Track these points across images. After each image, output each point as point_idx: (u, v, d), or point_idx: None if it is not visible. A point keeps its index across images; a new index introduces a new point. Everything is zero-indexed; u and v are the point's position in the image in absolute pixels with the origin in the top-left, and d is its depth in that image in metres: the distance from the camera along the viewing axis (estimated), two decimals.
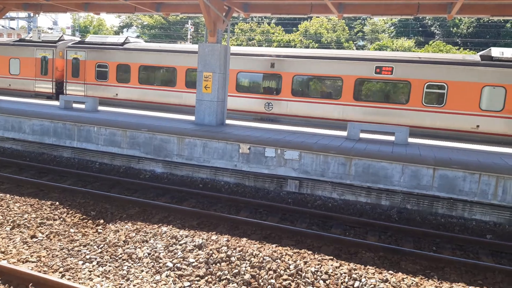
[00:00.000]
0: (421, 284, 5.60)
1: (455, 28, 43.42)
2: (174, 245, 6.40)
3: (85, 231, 7.10)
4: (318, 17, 44.47)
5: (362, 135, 12.92)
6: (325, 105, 15.95)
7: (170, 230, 6.97)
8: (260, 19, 51.13)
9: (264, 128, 13.47)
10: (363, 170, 9.43)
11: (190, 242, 6.45)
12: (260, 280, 5.53)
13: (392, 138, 12.39)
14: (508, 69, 13.97)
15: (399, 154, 9.99)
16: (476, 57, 15.02)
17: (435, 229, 8.14)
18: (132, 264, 5.93)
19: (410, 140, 12.53)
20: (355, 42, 49.58)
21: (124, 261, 5.99)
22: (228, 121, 14.72)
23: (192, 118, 14.59)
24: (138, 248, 6.34)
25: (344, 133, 12.91)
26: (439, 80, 14.63)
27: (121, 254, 6.18)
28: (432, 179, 8.93)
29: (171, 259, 5.98)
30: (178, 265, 5.83)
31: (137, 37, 52.67)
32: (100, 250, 6.28)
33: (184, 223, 7.56)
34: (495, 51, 14.71)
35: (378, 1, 12.32)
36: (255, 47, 22.01)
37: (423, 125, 14.88)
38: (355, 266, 6.06)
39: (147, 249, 6.29)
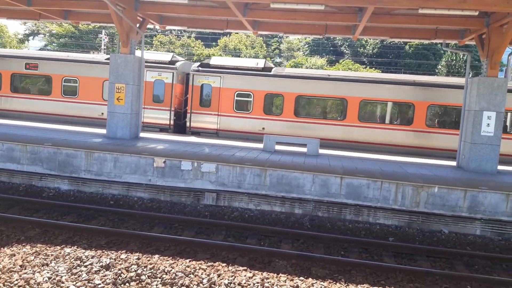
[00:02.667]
0: None
1: (362, 49, 47.15)
2: (78, 267, 5.95)
3: None
4: (237, 33, 45.46)
5: (278, 147, 13.33)
6: (40, 101, 17.78)
7: (75, 251, 6.48)
8: (179, 32, 50.76)
9: (181, 141, 13.26)
10: (277, 180, 9.69)
11: (97, 263, 6.05)
12: None
13: (305, 149, 12.95)
14: None
15: (310, 165, 10.46)
16: (102, 57, 18.06)
17: (344, 234, 8.61)
18: None
19: (321, 151, 13.22)
20: (272, 59, 51.37)
21: None
22: (143, 134, 14.25)
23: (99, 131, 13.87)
24: (37, 272, 5.79)
25: (260, 145, 13.20)
26: (72, 75, 17.30)
27: (17, 280, 5.58)
28: (340, 187, 9.47)
29: (74, 282, 5.54)
30: None
31: (45, 46, 49.06)
32: None
33: (91, 243, 7.08)
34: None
35: (289, 20, 12.92)
36: None
37: (62, 113, 17.39)
38: (268, 275, 6.15)
39: (48, 273, 5.76)
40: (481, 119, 11.55)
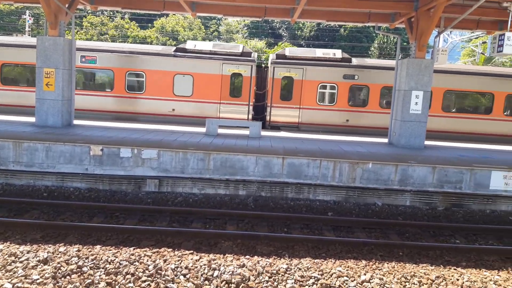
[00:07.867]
0: (274, 264, 6.05)
1: (299, 31, 47.91)
2: (13, 264, 5.62)
3: None
4: (175, 14, 44.09)
5: (220, 131, 13.31)
6: None
7: (8, 248, 6.10)
8: (112, 13, 48.16)
9: (118, 128, 12.78)
10: (221, 163, 9.72)
11: (33, 258, 5.75)
12: (117, 287, 5.25)
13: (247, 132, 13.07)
14: None
15: (253, 147, 10.60)
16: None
17: (286, 212, 8.90)
18: None
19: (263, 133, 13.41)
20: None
21: None
22: (77, 122, 13.54)
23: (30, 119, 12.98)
24: None
25: (203, 129, 13.11)
26: None
27: None
28: (282, 168, 9.73)
29: (9, 279, 5.23)
30: (19, 284, 5.14)
31: None
32: None
33: (25, 238, 6.70)
34: None
35: (228, 2, 12.77)
36: None
37: None
38: (215, 256, 6.23)
39: None
40: (410, 98, 12.34)
